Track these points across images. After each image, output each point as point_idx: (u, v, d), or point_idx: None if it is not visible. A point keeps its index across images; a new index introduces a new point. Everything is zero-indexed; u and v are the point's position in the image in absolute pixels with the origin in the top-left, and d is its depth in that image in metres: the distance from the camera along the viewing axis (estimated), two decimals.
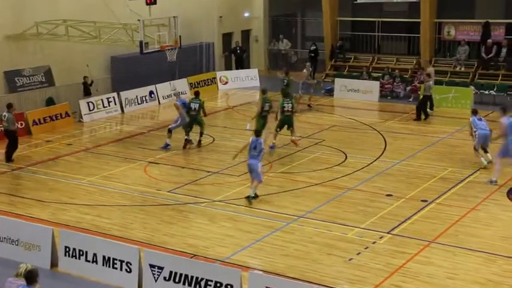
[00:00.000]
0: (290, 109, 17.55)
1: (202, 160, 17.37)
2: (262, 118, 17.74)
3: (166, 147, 18.10)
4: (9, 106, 17.45)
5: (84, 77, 22.35)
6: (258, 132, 14.22)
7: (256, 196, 13.92)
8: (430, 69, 22.83)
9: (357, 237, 12.13)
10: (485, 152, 16.20)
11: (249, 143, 13.82)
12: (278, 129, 17.72)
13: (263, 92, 18.44)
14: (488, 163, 15.89)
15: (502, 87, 23.58)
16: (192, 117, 18.13)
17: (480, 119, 16.48)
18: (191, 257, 11.28)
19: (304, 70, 23.58)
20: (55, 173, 16.42)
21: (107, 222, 13.14)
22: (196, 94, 18.60)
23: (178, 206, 13.94)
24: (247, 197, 13.85)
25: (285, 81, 22.13)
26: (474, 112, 16.65)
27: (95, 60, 23.47)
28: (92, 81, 22.49)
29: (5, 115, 17.32)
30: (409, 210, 13.39)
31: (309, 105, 23.05)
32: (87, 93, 22.40)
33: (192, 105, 18.12)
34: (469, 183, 15.01)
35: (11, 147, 17.36)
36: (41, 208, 13.95)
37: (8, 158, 17.28)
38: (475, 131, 16.19)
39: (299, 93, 22.61)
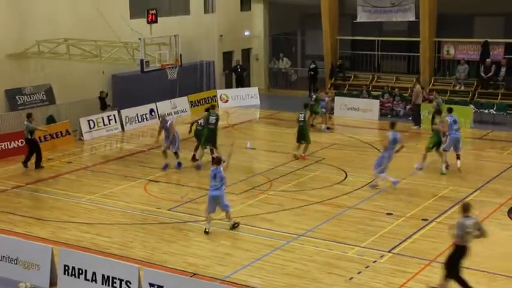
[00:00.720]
0: (303, 119, 18.67)
1: (202, 178, 17.32)
2: (208, 131, 17.72)
3: (165, 168, 17.89)
4: (29, 116, 18.30)
5: (101, 92, 23.05)
6: (217, 160, 13.42)
7: (236, 224, 13.39)
8: (418, 88, 23.19)
9: (357, 256, 12.09)
10: (458, 158, 17.02)
11: (209, 173, 13.11)
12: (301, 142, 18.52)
13: (212, 107, 18.52)
14: (446, 171, 16.96)
15: (501, 106, 23.66)
16: (211, 130, 17.73)
17: (455, 122, 17.08)
18: (191, 276, 11.23)
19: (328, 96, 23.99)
20: (55, 191, 16.40)
21: (107, 240, 13.10)
22: (213, 107, 18.48)
23: (179, 225, 13.90)
24: (232, 227, 13.38)
25: (313, 97, 22.70)
26: (450, 111, 17.29)
27: (96, 78, 23.58)
28: (107, 94, 23.08)
29: (25, 124, 18.20)
30: (409, 229, 13.36)
31: (328, 127, 22.83)
32: (103, 107, 23.00)
33: (211, 119, 17.75)
34: (469, 202, 14.96)
35: (30, 156, 18.19)
36: (40, 227, 13.91)
37: (37, 163, 18.19)
38: (448, 134, 16.83)
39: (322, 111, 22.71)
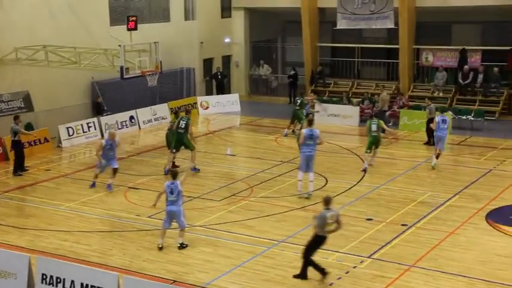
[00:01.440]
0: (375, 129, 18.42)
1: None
2: (177, 135, 17.72)
3: (93, 185, 16.84)
4: (16, 118, 18.50)
5: (97, 97, 23.29)
6: (174, 174, 12.77)
7: (185, 245, 12.78)
8: (384, 95, 23.73)
9: (337, 262, 12.11)
10: (437, 157, 18.26)
11: (164, 188, 12.61)
12: None
13: (187, 112, 18.38)
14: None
15: (479, 112, 23.94)
16: (179, 135, 17.55)
17: (444, 122, 18.32)
18: (171, 283, 11.16)
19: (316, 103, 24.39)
20: (33, 199, 16.23)
21: (86, 248, 12.97)
22: (187, 112, 18.15)
23: (158, 232, 13.79)
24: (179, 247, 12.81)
25: (298, 101, 22.59)
26: (442, 111, 18.74)
27: (75, 85, 23.41)
28: (102, 99, 23.39)
29: (11, 126, 18.33)
30: (389, 234, 13.43)
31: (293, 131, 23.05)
32: (100, 112, 23.25)
33: (181, 123, 17.53)
34: (448, 207, 15.12)
35: (18, 161, 18.28)
36: (18, 235, 13.73)
37: (15, 170, 18.22)
38: (436, 131, 18.25)
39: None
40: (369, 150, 18.36)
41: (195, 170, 17.96)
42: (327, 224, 11.05)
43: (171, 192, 12.58)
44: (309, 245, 11.33)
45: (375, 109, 24.06)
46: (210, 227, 13.96)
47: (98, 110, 23.50)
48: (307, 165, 15.86)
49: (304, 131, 16.16)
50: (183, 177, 12.92)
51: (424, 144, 21.04)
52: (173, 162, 18.13)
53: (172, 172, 13.03)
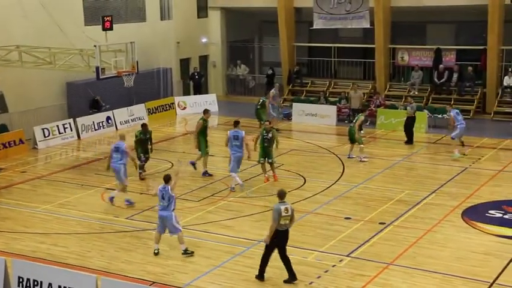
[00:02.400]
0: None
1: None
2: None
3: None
4: None
5: (94, 95, 23.73)
6: (166, 179, 12.40)
7: (189, 252, 12.41)
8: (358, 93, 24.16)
9: (316, 261, 12.16)
10: (463, 145, 19.55)
11: (157, 192, 12.38)
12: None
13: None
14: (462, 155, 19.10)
15: None
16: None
17: (458, 114, 19.50)
18: (150, 284, 11.11)
19: (273, 90, 23.96)
20: (8, 201, 15.99)
21: (63, 250, 12.83)
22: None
23: (137, 233, 13.73)
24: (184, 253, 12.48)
25: (260, 101, 22.61)
26: (451, 105, 20.43)
27: (50, 86, 23.15)
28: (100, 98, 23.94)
29: None
30: (367, 232, 13.52)
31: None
32: (98, 108, 23.89)
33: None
34: (425, 205, 15.28)
35: None
36: None
37: None
38: (456, 125, 19.30)
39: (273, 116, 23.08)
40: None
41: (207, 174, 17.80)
42: (282, 217, 10.98)
43: (163, 197, 12.32)
44: (270, 242, 11.16)
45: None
46: (189, 227, 13.91)
47: (95, 106, 23.92)
48: (238, 166, 16.32)
49: (229, 132, 16.58)
50: (173, 182, 12.49)
51: (405, 143, 21.13)
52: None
53: (165, 177, 12.52)
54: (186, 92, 29.41)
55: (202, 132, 17.85)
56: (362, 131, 20.93)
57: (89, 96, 23.91)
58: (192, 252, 12.47)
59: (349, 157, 19.24)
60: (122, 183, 15.36)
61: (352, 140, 19.32)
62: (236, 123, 16.58)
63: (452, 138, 19.64)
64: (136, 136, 17.65)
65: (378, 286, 11.14)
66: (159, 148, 20.97)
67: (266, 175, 17.02)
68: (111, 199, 15.50)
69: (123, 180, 15.31)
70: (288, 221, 11.13)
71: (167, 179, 12.47)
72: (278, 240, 11.15)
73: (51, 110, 22.81)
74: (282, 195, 11.29)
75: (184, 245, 12.48)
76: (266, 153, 16.90)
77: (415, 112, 21.27)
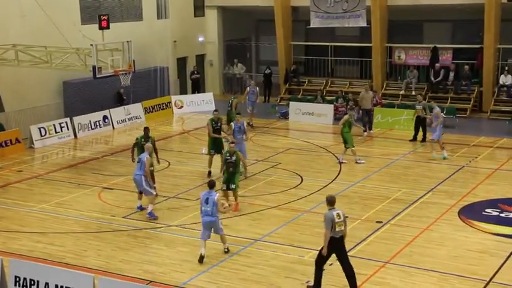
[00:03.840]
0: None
1: (158, 185, 17.16)
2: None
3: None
4: None
5: (119, 88, 23.82)
6: (211, 184, 12.07)
7: (227, 251, 12.40)
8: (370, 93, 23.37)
9: (314, 260, 12.14)
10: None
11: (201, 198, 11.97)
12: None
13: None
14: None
15: (450, 109, 24.24)
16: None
17: (440, 112, 19.22)
18: (147, 284, 11.10)
19: (248, 87, 24.25)
20: (5, 200, 15.97)
21: (60, 250, 12.82)
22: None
23: (134, 232, 13.73)
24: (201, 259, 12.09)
25: (230, 101, 22.25)
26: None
27: (47, 85, 23.12)
28: (124, 90, 24.30)
29: None
30: (364, 231, 13.54)
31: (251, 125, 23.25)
32: (121, 101, 24.52)
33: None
34: (421, 203, 15.31)
35: None
36: None
37: None
38: (437, 125, 18.85)
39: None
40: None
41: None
42: (336, 223, 10.48)
43: (206, 202, 11.96)
44: (325, 251, 10.68)
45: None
46: (187, 226, 13.91)
47: (119, 99, 24.54)
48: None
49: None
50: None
51: (410, 140, 21.08)
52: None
53: (210, 182, 12.21)
54: (182, 91, 29.39)
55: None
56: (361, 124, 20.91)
57: (83, 95, 23.87)
58: (229, 251, 12.43)
59: (339, 162, 18.70)
60: (150, 195, 14.44)
61: (345, 143, 18.85)
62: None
63: (434, 139, 19.15)
64: (136, 139, 16.22)
65: (374, 285, 11.16)
66: (156, 147, 20.96)
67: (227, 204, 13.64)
68: (151, 214, 14.23)
69: (149, 191, 14.41)
70: (342, 227, 10.61)
71: (212, 184, 12.01)
72: (333, 248, 10.62)
73: (48, 109, 22.78)
74: (331, 201, 10.74)
75: (226, 244, 12.43)
76: (229, 179, 14.78)
77: (426, 110, 20.85)
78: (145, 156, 14.54)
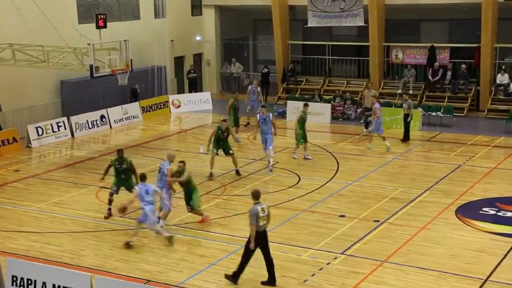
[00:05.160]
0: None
1: (154, 185, 17.13)
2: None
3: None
4: None
5: (134, 84, 24.83)
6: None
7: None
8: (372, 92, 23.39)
9: (311, 259, 12.17)
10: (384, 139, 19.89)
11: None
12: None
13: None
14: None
15: (448, 109, 24.28)
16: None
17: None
18: (145, 283, 11.09)
19: (249, 86, 24.11)
20: (2, 200, 15.95)
21: (57, 249, 12.81)
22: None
23: (131, 231, 13.68)
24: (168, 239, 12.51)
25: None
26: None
27: (44, 84, 23.08)
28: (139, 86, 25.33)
29: None
30: (362, 230, 13.55)
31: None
32: (135, 96, 25.42)
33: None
34: (419, 202, 15.32)
35: None
36: None
37: None
38: (376, 120, 19.60)
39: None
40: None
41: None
42: (260, 218, 10.82)
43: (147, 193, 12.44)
44: (247, 244, 10.97)
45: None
46: (184, 225, 13.90)
47: (134, 95, 25.32)
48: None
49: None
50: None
51: (401, 141, 21.11)
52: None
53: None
54: (180, 91, 29.36)
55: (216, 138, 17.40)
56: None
57: (80, 94, 23.86)
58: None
59: (305, 158, 18.96)
60: (165, 209, 13.59)
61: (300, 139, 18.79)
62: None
63: (370, 132, 20.16)
64: (111, 161, 14.92)
65: (372, 283, 11.17)
66: (153, 147, 20.98)
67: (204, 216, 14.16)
68: (158, 231, 13.04)
69: (166, 204, 13.56)
70: (265, 221, 10.97)
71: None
72: (258, 241, 10.89)
73: (45, 108, 22.75)
74: (257, 196, 11.05)
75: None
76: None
77: (410, 109, 21.15)
78: (166, 166, 13.71)
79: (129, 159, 14.86)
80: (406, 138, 21.16)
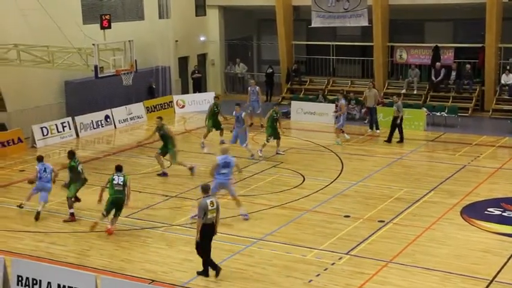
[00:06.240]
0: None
1: (159, 184, 17.20)
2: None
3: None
4: None
5: (150, 82, 26.26)
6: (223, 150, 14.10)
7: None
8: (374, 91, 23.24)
9: (315, 259, 12.17)
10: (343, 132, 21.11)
11: None
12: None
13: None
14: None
15: (452, 109, 24.23)
16: (116, 195, 13.46)
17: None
18: (149, 283, 11.11)
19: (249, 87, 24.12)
20: (7, 200, 15.99)
21: (63, 249, 12.83)
22: (119, 169, 13.75)
23: (136, 231, 13.74)
24: None
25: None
26: (345, 96, 21.86)
27: (49, 84, 23.13)
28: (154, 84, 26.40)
29: None
30: (366, 230, 13.53)
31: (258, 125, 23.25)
32: (152, 94, 26.30)
33: (116, 178, 13.51)
34: (424, 203, 15.29)
35: None
36: None
37: None
38: (339, 113, 20.78)
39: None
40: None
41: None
42: (209, 210, 11.09)
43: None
44: (199, 237, 11.23)
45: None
46: (188, 226, 13.91)
47: (150, 92, 26.18)
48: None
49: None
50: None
51: (397, 142, 21.08)
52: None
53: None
54: (184, 91, 29.39)
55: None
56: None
57: (85, 94, 23.90)
58: None
59: (277, 153, 19.54)
60: (235, 197, 14.30)
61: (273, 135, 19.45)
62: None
63: (338, 128, 21.07)
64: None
65: (377, 284, 11.15)
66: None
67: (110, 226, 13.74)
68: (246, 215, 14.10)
69: (234, 193, 14.29)
70: (214, 214, 11.23)
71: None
72: (206, 233, 11.18)
73: (50, 108, 22.79)
74: (206, 189, 11.41)
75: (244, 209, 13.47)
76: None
77: (400, 111, 21.00)
78: (233, 159, 14.31)
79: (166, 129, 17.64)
80: (389, 139, 21.00)
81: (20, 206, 15.07)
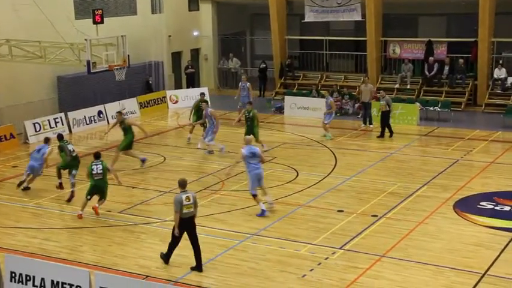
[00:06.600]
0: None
1: (153, 180, 17.18)
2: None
3: None
4: None
5: (147, 77, 26.74)
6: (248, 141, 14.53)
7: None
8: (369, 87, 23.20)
9: (309, 254, 12.19)
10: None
11: None
12: None
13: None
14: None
15: (445, 103, 24.28)
16: (96, 182, 14.17)
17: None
18: (143, 279, 11.10)
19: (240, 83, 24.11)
20: (0, 196, 15.90)
21: (56, 245, 12.80)
22: (97, 156, 14.44)
23: (130, 227, 13.72)
24: None
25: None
26: (332, 94, 22.58)
27: (41, 80, 23.02)
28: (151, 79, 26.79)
29: None
30: (360, 225, 13.57)
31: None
32: (150, 89, 26.71)
33: (95, 168, 14.14)
34: (417, 197, 15.34)
35: None
36: None
37: None
38: (330, 111, 21.14)
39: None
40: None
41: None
42: (184, 205, 11.26)
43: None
44: (173, 230, 11.49)
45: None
46: None
47: (147, 87, 26.51)
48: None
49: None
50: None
51: (389, 136, 21.11)
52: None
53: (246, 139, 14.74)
54: (177, 86, 29.33)
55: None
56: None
57: (80, 90, 23.83)
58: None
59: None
60: (263, 188, 14.58)
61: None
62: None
63: (326, 123, 21.16)
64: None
65: (370, 278, 11.19)
66: (151, 142, 20.94)
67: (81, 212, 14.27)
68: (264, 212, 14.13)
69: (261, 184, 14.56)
70: (191, 209, 11.38)
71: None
72: (183, 228, 11.39)
73: (42, 104, 22.68)
74: (183, 184, 11.53)
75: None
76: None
77: (388, 105, 21.10)
78: (257, 149, 14.60)
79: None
80: (382, 135, 21.04)
81: (19, 185, 15.97)
